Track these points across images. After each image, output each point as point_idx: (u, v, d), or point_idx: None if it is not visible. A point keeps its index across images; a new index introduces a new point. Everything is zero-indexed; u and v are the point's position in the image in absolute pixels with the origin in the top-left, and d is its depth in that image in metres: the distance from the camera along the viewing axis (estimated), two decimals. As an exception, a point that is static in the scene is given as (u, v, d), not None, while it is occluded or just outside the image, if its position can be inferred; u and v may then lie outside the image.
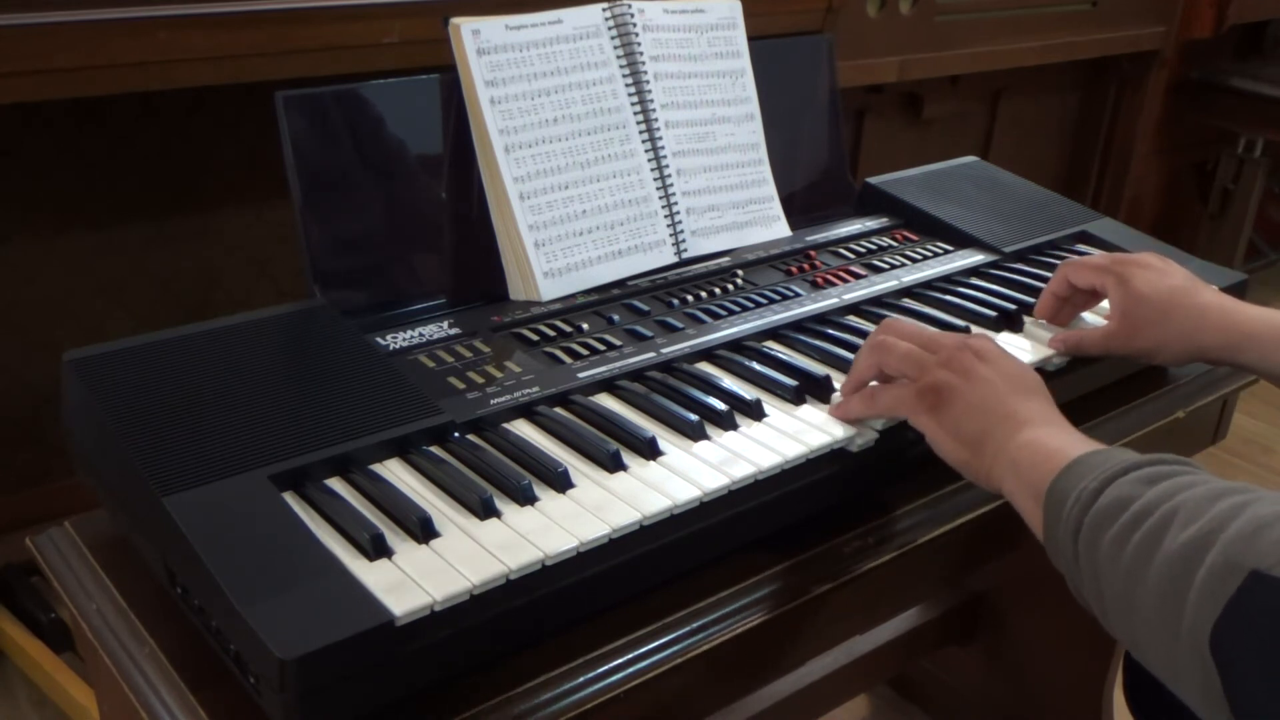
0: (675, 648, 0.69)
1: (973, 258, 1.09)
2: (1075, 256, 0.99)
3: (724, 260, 1.04)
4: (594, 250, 0.96)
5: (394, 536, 0.65)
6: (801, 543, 0.77)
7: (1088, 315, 0.99)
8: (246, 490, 0.65)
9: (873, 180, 1.20)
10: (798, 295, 0.98)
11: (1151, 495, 0.61)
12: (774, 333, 0.92)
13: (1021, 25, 2.21)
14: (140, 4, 1.16)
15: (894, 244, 1.12)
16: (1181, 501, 0.60)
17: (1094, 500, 0.63)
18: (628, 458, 0.73)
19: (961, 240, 1.12)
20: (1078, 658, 1.35)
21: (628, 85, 0.99)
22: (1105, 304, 0.94)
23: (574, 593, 0.66)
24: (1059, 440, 0.70)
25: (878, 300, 1.00)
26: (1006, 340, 0.93)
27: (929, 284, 1.04)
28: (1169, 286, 0.89)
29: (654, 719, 0.70)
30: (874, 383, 0.81)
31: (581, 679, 0.65)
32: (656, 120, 1.01)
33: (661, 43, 1.02)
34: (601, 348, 0.86)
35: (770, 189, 1.10)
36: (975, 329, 0.95)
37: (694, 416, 0.77)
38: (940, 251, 1.10)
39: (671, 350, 0.87)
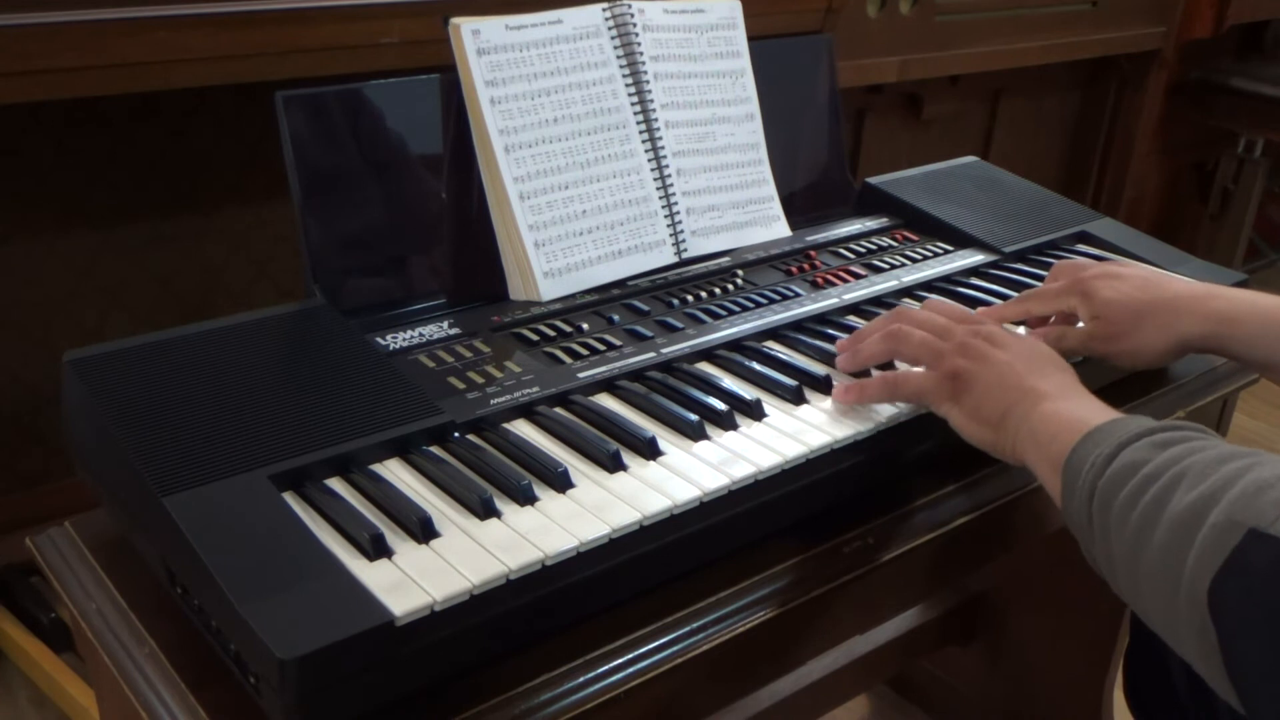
0: (675, 648, 0.68)
1: (973, 258, 1.09)
2: (1038, 285, 0.97)
3: (724, 260, 1.04)
4: (594, 250, 0.96)
5: (394, 536, 0.65)
6: (801, 543, 0.77)
7: None
8: (246, 490, 0.65)
9: (873, 180, 1.20)
10: (798, 295, 0.98)
11: (1161, 459, 0.63)
12: (774, 333, 0.92)
13: (1021, 25, 2.21)
14: (140, 4, 1.16)
15: (894, 244, 1.12)
16: (1189, 465, 0.62)
17: (1107, 465, 0.65)
18: (628, 458, 0.73)
19: (961, 240, 1.12)
20: (1078, 658, 1.35)
21: (628, 85, 0.99)
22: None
23: (574, 593, 0.66)
24: (1079, 410, 0.72)
25: (878, 300, 1.00)
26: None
27: (929, 284, 1.04)
28: (1135, 287, 0.88)
29: (654, 719, 0.70)
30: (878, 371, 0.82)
31: (581, 679, 0.65)
32: (656, 120, 1.01)
33: (661, 43, 1.02)
34: (601, 348, 0.86)
35: (770, 189, 1.10)
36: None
37: (694, 416, 0.77)
38: (940, 251, 1.10)
39: (671, 350, 0.87)
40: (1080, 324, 0.90)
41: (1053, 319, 0.93)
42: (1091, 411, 0.71)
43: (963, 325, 0.82)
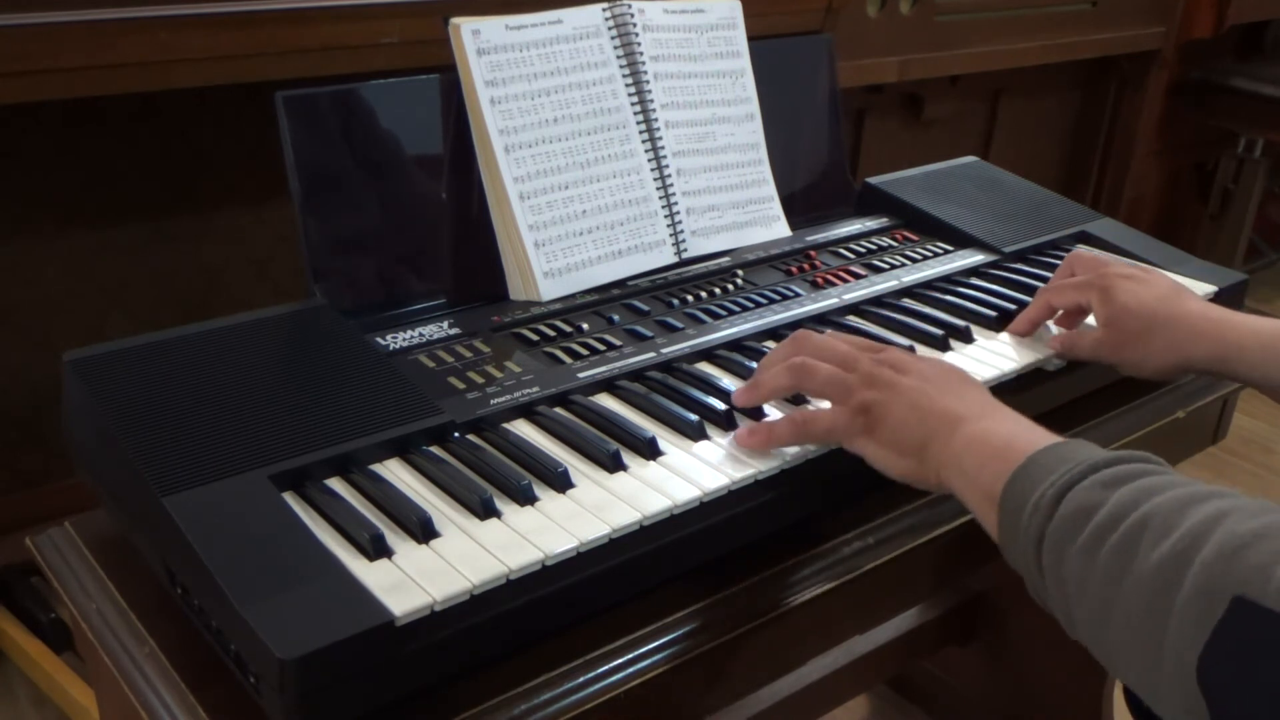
0: (675, 648, 0.68)
1: (973, 258, 1.09)
2: (1052, 279, 0.97)
3: (724, 260, 1.04)
4: (594, 250, 0.96)
5: (394, 536, 0.65)
6: (802, 542, 0.77)
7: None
8: (246, 490, 0.65)
9: (873, 180, 1.20)
10: (798, 295, 0.98)
11: (1115, 502, 0.59)
12: (774, 333, 0.92)
13: (1021, 25, 2.21)
14: (141, 4, 1.16)
15: (894, 244, 1.12)
16: (1150, 511, 0.57)
17: (1054, 507, 0.61)
18: (628, 458, 0.73)
19: (961, 240, 1.12)
20: (1078, 658, 1.34)
21: (628, 85, 0.99)
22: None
23: (574, 593, 0.66)
24: (1003, 432, 0.68)
25: (878, 300, 1.00)
26: (1005, 341, 0.94)
27: (929, 284, 1.04)
28: (1154, 297, 0.88)
29: (654, 719, 0.70)
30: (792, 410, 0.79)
31: (581, 679, 0.65)
32: (656, 120, 1.01)
33: (661, 43, 1.02)
34: (601, 348, 0.86)
35: (770, 189, 1.10)
36: (975, 329, 0.95)
37: (694, 416, 0.77)
38: (940, 251, 1.10)
39: (671, 350, 0.87)
40: (1091, 321, 0.90)
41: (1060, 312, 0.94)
42: (1016, 432, 0.67)
43: (866, 354, 0.77)
